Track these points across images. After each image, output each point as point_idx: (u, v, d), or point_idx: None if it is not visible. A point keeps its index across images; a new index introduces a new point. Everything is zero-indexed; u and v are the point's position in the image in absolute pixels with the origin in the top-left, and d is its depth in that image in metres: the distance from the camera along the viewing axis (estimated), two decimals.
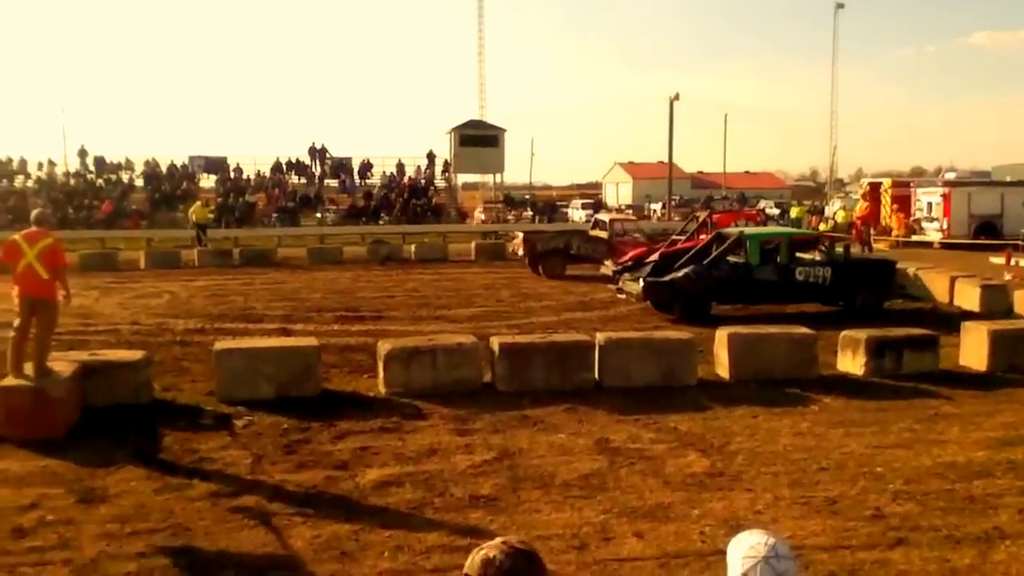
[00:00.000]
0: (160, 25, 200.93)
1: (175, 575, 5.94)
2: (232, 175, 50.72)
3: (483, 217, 52.16)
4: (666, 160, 55.40)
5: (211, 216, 38.54)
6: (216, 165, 51.87)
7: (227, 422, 9.63)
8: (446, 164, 54.87)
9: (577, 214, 57.57)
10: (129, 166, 51.11)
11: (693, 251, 17.99)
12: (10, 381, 9.30)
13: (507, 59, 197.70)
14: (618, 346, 11.12)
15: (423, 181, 52.20)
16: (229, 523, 6.82)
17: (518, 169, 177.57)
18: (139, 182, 50.48)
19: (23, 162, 50.04)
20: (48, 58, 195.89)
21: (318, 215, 47.02)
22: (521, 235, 27.05)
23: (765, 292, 16.97)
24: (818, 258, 17.81)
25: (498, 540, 2.28)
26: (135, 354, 10.93)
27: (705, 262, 17.14)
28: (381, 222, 44.70)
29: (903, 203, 37.74)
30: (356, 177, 52.60)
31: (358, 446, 8.69)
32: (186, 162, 51.67)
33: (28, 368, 9.44)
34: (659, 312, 17.09)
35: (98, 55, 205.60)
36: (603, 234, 25.44)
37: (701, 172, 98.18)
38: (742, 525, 6.50)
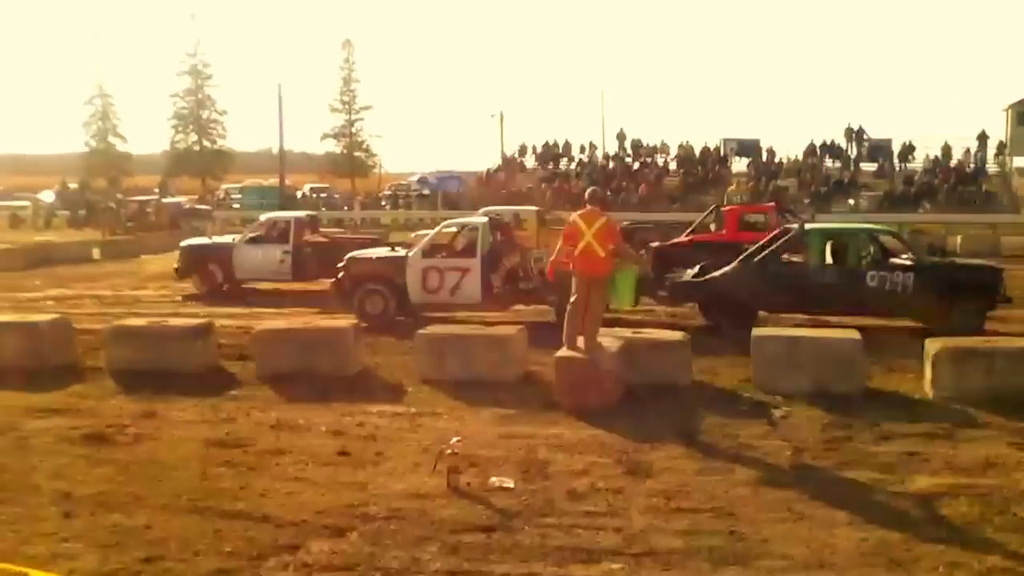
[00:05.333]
0: (688, 10, 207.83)
1: (720, 557, 6.00)
2: (764, 158, 50.75)
3: None
4: None
5: (746, 199, 38.79)
6: (748, 148, 52.15)
7: (764, 410, 9.62)
8: (1000, 146, 49.92)
9: None
10: (664, 149, 53.38)
11: (751, 249, 14.78)
12: (565, 353, 10.07)
13: None
14: None
15: (972, 165, 48.10)
16: (772, 513, 6.78)
17: None
18: (672, 165, 52.53)
19: (567, 145, 54.71)
20: (591, 45, 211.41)
21: (850, 201, 45.38)
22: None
23: (827, 300, 13.68)
24: (901, 261, 13.97)
25: None
26: (676, 334, 11.28)
27: (755, 260, 14.14)
28: (921, 210, 41.83)
29: None
30: (895, 161, 49.88)
31: (905, 450, 8.19)
32: (719, 145, 52.69)
33: (579, 342, 10.13)
34: None
35: (635, 41, 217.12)
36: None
37: None
38: None
